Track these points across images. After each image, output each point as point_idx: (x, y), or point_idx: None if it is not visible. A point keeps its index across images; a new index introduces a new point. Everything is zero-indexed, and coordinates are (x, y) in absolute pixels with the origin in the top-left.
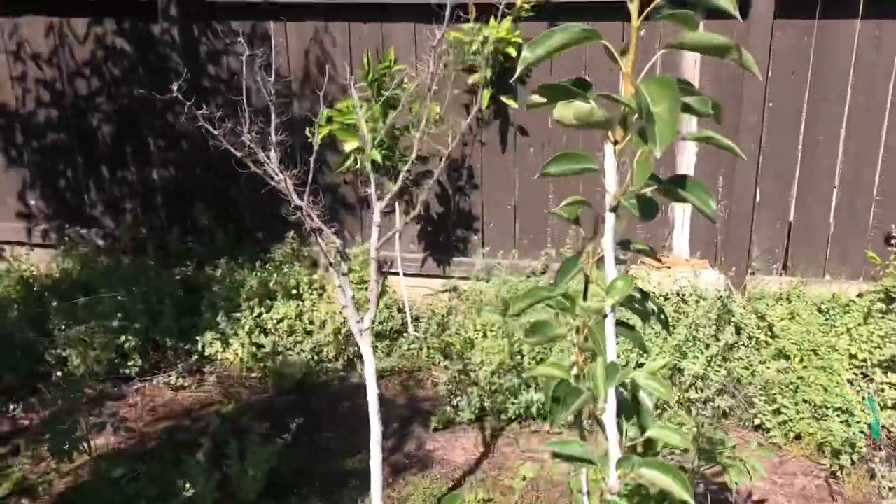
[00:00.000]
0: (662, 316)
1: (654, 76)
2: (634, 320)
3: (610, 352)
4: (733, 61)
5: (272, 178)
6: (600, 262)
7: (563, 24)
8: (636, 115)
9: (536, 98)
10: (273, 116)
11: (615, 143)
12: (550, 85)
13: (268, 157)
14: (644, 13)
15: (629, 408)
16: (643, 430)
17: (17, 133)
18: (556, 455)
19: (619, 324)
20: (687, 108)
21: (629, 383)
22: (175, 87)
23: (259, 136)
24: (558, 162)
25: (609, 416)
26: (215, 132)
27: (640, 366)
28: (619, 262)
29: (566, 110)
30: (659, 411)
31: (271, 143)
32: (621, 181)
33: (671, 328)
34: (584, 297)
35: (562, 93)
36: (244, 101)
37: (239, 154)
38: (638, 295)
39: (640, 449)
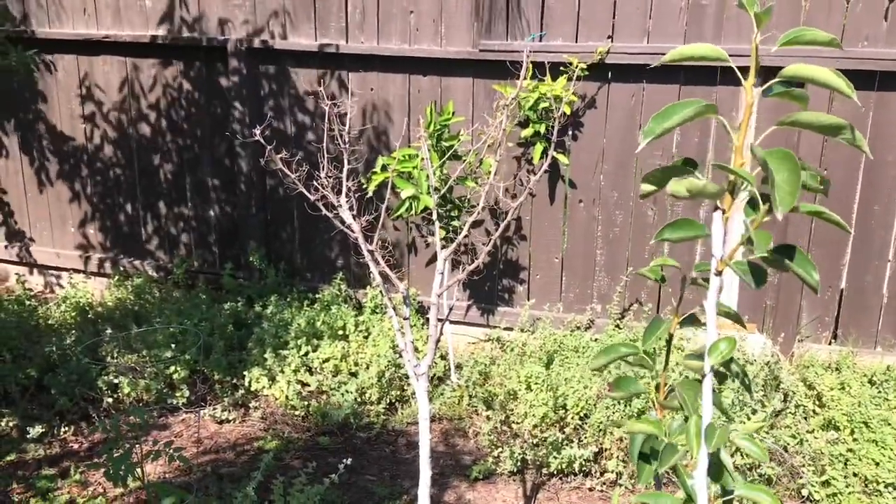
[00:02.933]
0: (746, 380)
1: (774, 149)
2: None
3: (706, 412)
4: (844, 140)
5: (343, 222)
6: (682, 322)
7: (686, 100)
8: (745, 185)
9: (647, 187)
10: (346, 163)
11: (723, 211)
12: (665, 168)
13: (339, 202)
14: (760, 89)
15: (714, 467)
16: (723, 489)
17: (82, 167)
18: None
19: (701, 383)
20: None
21: None
22: (238, 130)
23: (328, 181)
24: (674, 228)
25: (700, 474)
26: (291, 175)
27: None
28: (694, 321)
29: (679, 185)
30: None
31: (343, 188)
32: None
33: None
34: (666, 357)
35: (675, 173)
36: (324, 147)
37: (312, 197)
38: None
39: None
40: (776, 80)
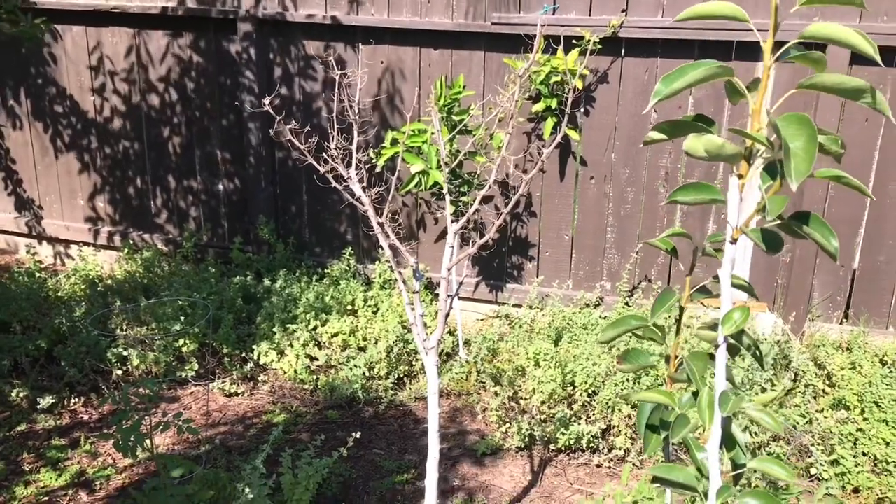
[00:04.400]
0: (758, 352)
1: (790, 113)
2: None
3: (720, 381)
4: (865, 104)
5: (353, 194)
6: (693, 294)
7: (699, 61)
8: (761, 151)
9: (656, 135)
10: (356, 135)
11: (739, 176)
12: (673, 121)
13: (349, 174)
14: (776, 54)
15: (726, 439)
16: (734, 463)
17: (91, 139)
18: (656, 480)
19: (710, 356)
20: (819, 147)
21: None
22: (248, 102)
23: (337, 153)
24: (686, 191)
25: (712, 446)
26: (301, 146)
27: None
28: (705, 293)
29: (697, 143)
30: None
31: (353, 160)
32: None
33: None
34: (677, 328)
35: (685, 128)
36: (333, 118)
37: (322, 170)
38: None
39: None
40: (793, 42)
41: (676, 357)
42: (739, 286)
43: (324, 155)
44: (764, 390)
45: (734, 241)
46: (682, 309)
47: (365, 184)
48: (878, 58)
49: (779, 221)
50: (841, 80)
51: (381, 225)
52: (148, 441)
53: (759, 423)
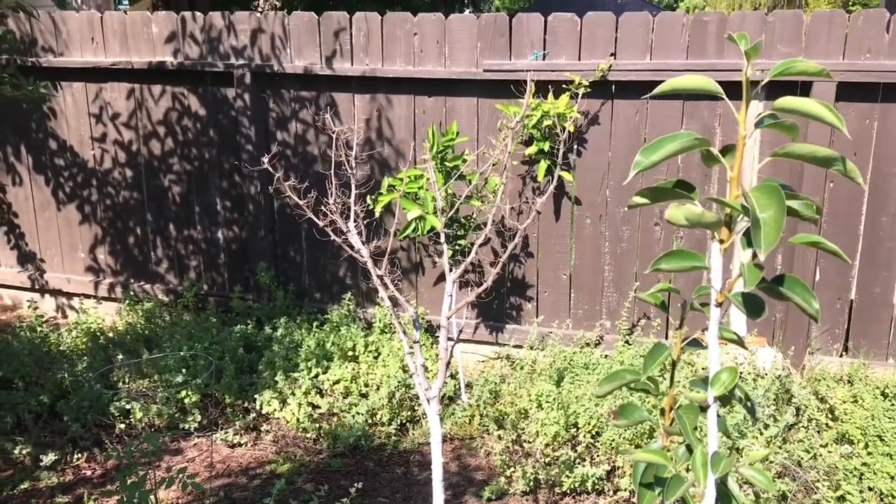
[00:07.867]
0: (749, 403)
1: (764, 182)
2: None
3: (712, 441)
4: (836, 171)
5: (352, 247)
6: (685, 346)
7: (676, 132)
8: (741, 217)
9: (639, 199)
10: (353, 188)
11: (721, 242)
12: (655, 188)
13: (347, 227)
14: (752, 122)
15: (722, 496)
16: None
17: (92, 192)
18: None
19: (702, 408)
20: (793, 213)
21: None
22: (246, 155)
23: (336, 207)
24: (669, 259)
25: None
26: (300, 202)
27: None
28: (696, 345)
29: (678, 212)
30: None
31: (352, 213)
32: (726, 277)
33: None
34: (671, 382)
35: (666, 194)
36: (331, 174)
37: (321, 223)
38: None
39: None
40: (766, 112)
41: (671, 410)
42: (731, 339)
43: (322, 208)
44: (767, 426)
45: (719, 305)
46: (674, 362)
47: (363, 233)
48: (844, 130)
49: (758, 284)
50: (812, 150)
51: (380, 277)
52: (152, 497)
53: (751, 482)
